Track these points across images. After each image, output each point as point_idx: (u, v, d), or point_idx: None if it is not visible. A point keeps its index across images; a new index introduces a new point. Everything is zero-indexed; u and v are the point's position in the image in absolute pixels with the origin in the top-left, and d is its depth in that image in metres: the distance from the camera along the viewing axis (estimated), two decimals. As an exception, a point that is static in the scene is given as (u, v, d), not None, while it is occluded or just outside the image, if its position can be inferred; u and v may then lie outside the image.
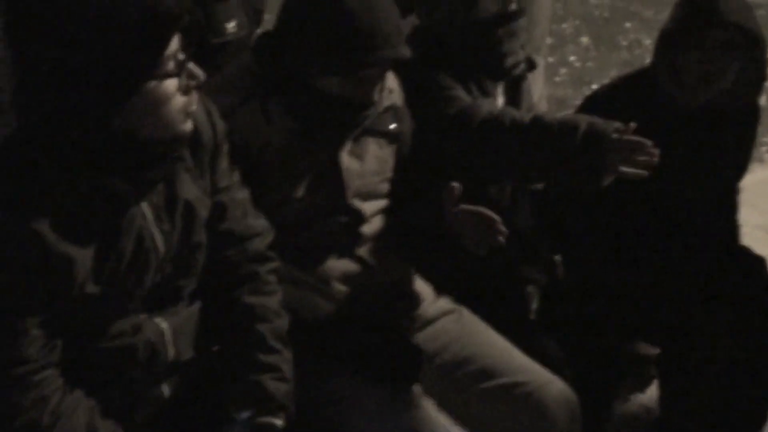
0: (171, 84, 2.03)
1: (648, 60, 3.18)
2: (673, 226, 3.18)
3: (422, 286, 2.82)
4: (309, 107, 2.54)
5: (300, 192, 2.57)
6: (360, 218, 2.65)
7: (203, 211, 2.25)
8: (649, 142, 2.62)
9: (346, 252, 2.65)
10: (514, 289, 3.18)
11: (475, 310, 2.85)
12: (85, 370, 2.13)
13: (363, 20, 2.45)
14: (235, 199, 2.35)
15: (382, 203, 2.72)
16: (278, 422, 2.29)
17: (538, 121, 2.73)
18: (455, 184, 2.58)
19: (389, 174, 2.73)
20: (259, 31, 3.34)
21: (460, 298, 2.86)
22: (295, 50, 2.51)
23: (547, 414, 2.67)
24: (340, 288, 2.62)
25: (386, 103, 2.68)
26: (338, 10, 2.45)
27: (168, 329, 2.22)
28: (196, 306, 2.31)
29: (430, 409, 2.56)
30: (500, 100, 3.09)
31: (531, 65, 3.18)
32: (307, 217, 2.58)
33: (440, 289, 2.86)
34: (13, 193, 1.98)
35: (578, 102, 3.54)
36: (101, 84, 1.95)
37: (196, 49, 2.10)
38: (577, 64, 7.65)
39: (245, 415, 2.27)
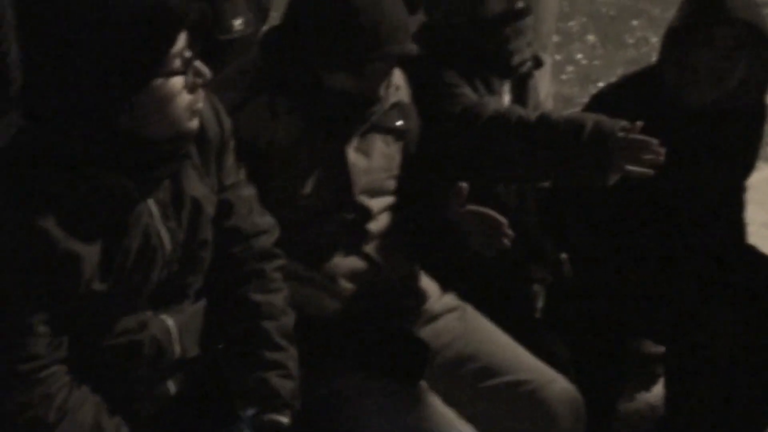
0: (177, 82, 2.03)
1: (655, 58, 3.18)
2: (679, 224, 3.18)
3: (428, 283, 2.82)
4: (315, 103, 2.54)
5: (307, 188, 2.57)
6: (367, 215, 2.65)
7: (210, 209, 2.25)
8: (655, 141, 2.62)
9: (353, 249, 2.65)
10: (519, 288, 3.18)
11: (481, 307, 2.86)
12: (91, 366, 2.13)
13: (369, 15, 2.46)
14: (241, 196, 2.35)
15: (388, 200, 2.72)
16: (284, 419, 2.29)
17: (544, 120, 2.73)
18: (463, 184, 2.58)
19: (396, 171, 2.73)
20: (265, 28, 3.35)
21: (466, 296, 2.86)
22: (302, 46, 2.51)
23: (551, 412, 2.67)
24: (347, 285, 2.62)
25: (393, 99, 2.68)
26: (345, 5, 2.46)
27: (174, 326, 2.22)
28: (202, 303, 2.31)
29: (437, 405, 2.56)
30: (507, 98, 3.09)
31: (538, 63, 3.18)
32: (313, 214, 2.58)
33: (446, 287, 2.86)
34: (19, 191, 1.99)
35: (585, 100, 3.54)
36: (107, 81, 1.95)
37: (203, 46, 2.10)
38: (584, 62, 7.64)
39: (251, 412, 2.27)
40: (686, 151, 3.03)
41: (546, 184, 3.18)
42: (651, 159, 2.62)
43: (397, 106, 2.69)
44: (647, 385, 3.68)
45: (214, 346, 2.34)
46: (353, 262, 2.64)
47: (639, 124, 2.62)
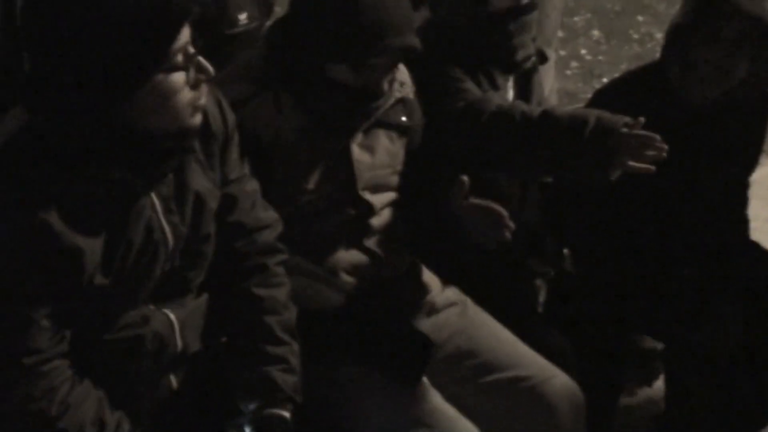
0: (179, 77, 2.02)
1: (659, 54, 3.18)
2: (681, 220, 3.18)
3: (429, 277, 2.83)
4: (320, 98, 2.54)
5: (310, 184, 2.57)
6: (370, 211, 2.65)
7: (213, 203, 2.25)
8: (657, 137, 2.62)
9: (355, 243, 2.65)
10: (521, 283, 3.19)
11: (482, 302, 2.86)
12: (93, 361, 2.13)
13: (372, 9, 2.46)
14: (244, 190, 2.35)
15: (391, 196, 2.72)
16: (285, 414, 2.30)
17: (547, 115, 2.73)
18: (464, 178, 2.58)
19: (399, 167, 2.73)
20: (269, 22, 3.35)
21: (467, 291, 2.87)
22: (306, 40, 2.51)
23: (551, 408, 2.67)
24: (348, 279, 2.63)
25: (397, 95, 2.68)
26: (348, -1, 2.46)
27: (176, 321, 2.22)
28: (204, 298, 2.31)
29: (437, 400, 2.56)
30: (510, 94, 3.09)
31: (542, 58, 3.18)
32: (317, 209, 2.59)
33: (447, 281, 2.86)
34: (21, 185, 1.98)
35: (589, 95, 3.53)
36: (109, 76, 1.95)
37: (207, 41, 2.10)
38: (588, 58, 7.63)
39: (252, 406, 2.28)
40: (689, 146, 3.03)
41: (548, 179, 3.18)
42: (653, 155, 2.62)
43: (401, 102, 2.69)
44: (648, 381, 3.68)
45: (216, 341, 2.35)
46: (355, 256, 2.64)
47: (641, 120, 2.62)
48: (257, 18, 3.35)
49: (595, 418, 2.82)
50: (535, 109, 2.79)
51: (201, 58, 2.06)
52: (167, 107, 2.03)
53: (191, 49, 2.04)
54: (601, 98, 3.18)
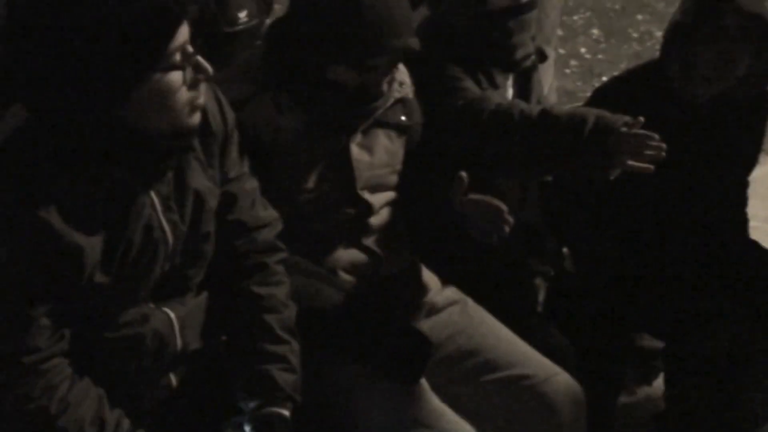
0: (177, 77, 2.02)
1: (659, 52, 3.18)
2: (681, 219, 3.18)
3: (429, 277, 2.83)
4: (319, 97, 2.54)
5: (310, 183, 2.57)
6: (368, 210, 2.65)
7: (213, 201, 2.25)
8: (656, 136, 2.62)
9: (354, 242, 2.65)
10: (521, 281, 3.19)
11: (482, 301, 2.86)
12: (93, 359, 2.13)
13: (372, 9, 2.46)
14: (244, 189, 2.35)
15: (390, 195, 2.72)
16: (285, 412, 2.30)
17: (546, 114, 2.73)
18: (463, 174, 2.58)
19: (398, 166, 2.73)
20: (268, 21, 3.35)
21: (467, 290, 2.87)
22: (306, 40, 2.51)
23: (552, 406, 2.68)
24: (348, 278, 2.63)
25: (396, 95, 2.68)
26: (348, -1, 2.46)
27: (176, 319, 2.22)
28: (204, 296, 2.31)
29: (435, 401, 2.56)
30: (510, 92, 3.09)
31: (541, 57, 3.18)
32: (316, 208, 2.59)
33: (447, 280, 2.86)
34: (21, 183, 1.98)
35: (588, 94, 3.53)
36: (106, 74, 1.95)
37: (207, 39, 2.09)
38: (588, 56, 7.64)
39: (252, 404, 2.28)
40: (689, 145, 3.03)
41: (548, 178, 3.18)
42: (652, 155, 2.62)
43: (400, 101, 2.69)
44: (648, 379, 3.68)
45: (216, 339, 2.35)
46: (354, 255, 2.65)
47: (640, 119, 2.62)
48: (257, 16, 3.34)
49: (595, 417, 2.82)
50: (534, 108, 2.79)
51: (199, 58, 2.06)
52: (165, 106, 2.03)
53: (189, 48, 2.04)
54: (601, 97, 3.18)
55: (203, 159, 2.24)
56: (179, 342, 2.24)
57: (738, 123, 3.18)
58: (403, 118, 2.71)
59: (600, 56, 7.67)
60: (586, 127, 2.65)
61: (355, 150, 2.62)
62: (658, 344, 3.39)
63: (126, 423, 2.14)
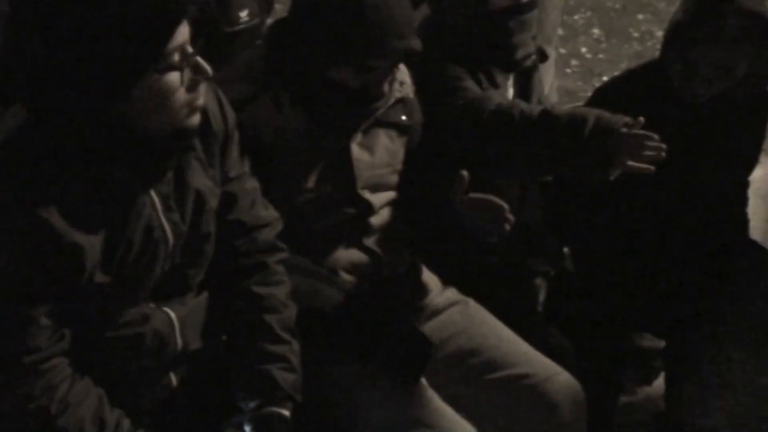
0: (175, 77, 2.02)
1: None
2: (681, 219, 3.18)
3: (429, 277, 2.83)
4: (320, 98, 2.54)
5: (310, 182, 2.57)
6: (369, 210, 2.65)
7: (213, 201, 2.25)
8: (656, 137, 2.62)
9: (354, 242, 2.65)
10: (521, 281, 3.19)
11: (483, 301, 2.86)
12: (93, 359, 2.13)
13: (374, 10, 2.45)
14: (244, 188, 2.35)
15: (391, 195, 2.73)
16: (285, 412, 2.30)
17: (546, 114, 2.73)
18: (464, 173, 2.58)
19: (399, 166, 2.73)
20: (269, 20, 3.35)
21: (468, 290, 2.87)
22: (307, 40, 2.51)
23: (552, 406, 2.68)
24: (348, 278, 2.63)
25: (397, 94, 2.68)
26: (350, 0, 2.46)
27: (176, 319, 2.23)
28: (205, 296, 2.31)
29: (436, 400, 2.56)
30: (510, 92, 3.09)
31: (542, 57, 3.18)
32: (316, 208, 2.59)
33: (447, 281, 2.86)
34: (21, 182, 1.98)
35: (589, 94, 3.53)
36: (103, 73, 1.95)
37: (208, 38, 2.09)
38: (589, 56, 7.63)
39: (252, 404, 2.28)
40: (690, 145, 3.03)
41: (548, 178, 3.18)
42: (652, 155, 2.62)
43: (401, 101, 2.69)
44: (648, 380, 3.68)
45: (216, 339, 2.35)
46: (355, 255, 2.65)
47: (640, 119, 2.62)
48: (258, 15, 3.35)
49: (595, 417, 2.82)
50: (534, 108, 2.79)
51: (199, 59, 2.05)
52: (163, 107, 2.02)
53: (189, 49, 2.04)
54: (601, 97, 3.18)
55: (204, 159, 2.24)
56: (179, 342, 2.24)
57: (738, 123, 3.18)
58: (403, 117, 2.71)
59: (601, 56, 7.66)
60: (586, 128, 2.65)
61: (356, 150, 2.62)
62: (658, 344, 3.39)
63: (126, 423, 2.14)
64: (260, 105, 2.52)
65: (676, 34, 3.05)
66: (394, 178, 2.72)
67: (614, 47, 7.84)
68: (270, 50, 2.59)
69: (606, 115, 2.68)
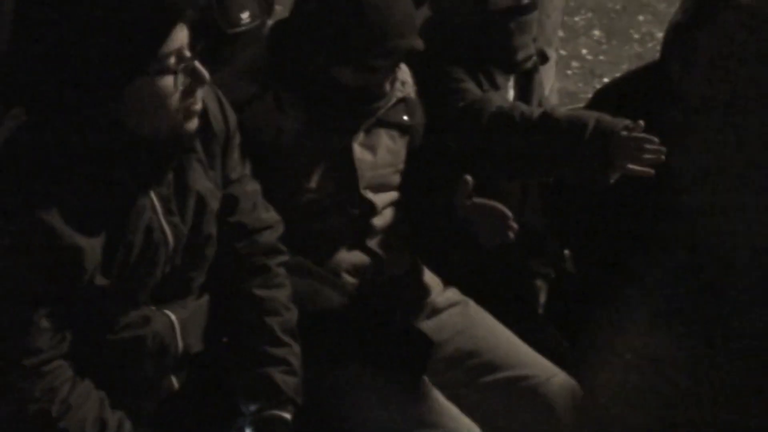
0: (168, 81, 2.02)
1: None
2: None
3: (430, 277, 2.83)
4: (322, 97, 2.54)
5: (312, 183, 2.57)
6: (371, 210, 2.65)
7: (214, 203, 2.25)
8: (656, 140, 2.62)
9: (357, 244, 2.65)
10: (522, 283, 3.18)
11: (483, 303, 2.86)
12: (94, 361, 2.14)
13: (376, 10, 2.46)
14: (246, 191, 2.36)
15: (393, 195, 2.73)
16: (286, 415, 2.30)
17: (547, 117, 2.73)
18: (468, 178, 2.58)
19: (401, 166, 2.73)
20: (270, 21, 3.35)
21: (468, 291, 2.87)
22: (308, 40, 2.51)
23: (552, 407, 2.68)
24: (350, 279, 2.63)
25: (399, 95, 2.68)
26: (351, 0, 2.46)
27: (177, 321, 2.23)
28: (206, 298, 2.31)
29: (438, 399, 2.57)
30: (511, 93, 3.09)
31: (543, 58, 3.18)
32: (318, 209, 2.59)
33: (448, 282, 2.86)
34: (21, 184, 1.99)
35: (589, 95, 3.53)
36: (96, 73, 1.95)
37: (210, 41, 2.09)
38: (589, 58, 7.63)
39: (253, 407, 2.28)
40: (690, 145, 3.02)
41: (548, 180, 3.17)
42: (652, 158, 2.62)
43: (403, 101, 2.69)
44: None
45: (217, 342, 2.35)
46: (357, 257, 2.65)
47: (641, 122, 2.62)
48: (259, 17, 3.35)
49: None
50: (535, 111, 2.79)
51: (197, 64, 2.05)
52: (157, 110, 2.03)
53: (187, 54, 2.03)
54: (602, 98, 3.17)
55: (205, 160, 2.24)
56: (180, 344, 2.24)
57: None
58: (405, 117, 2.71)
59: (601, 57, 7.66)
60: (587, 131, 2.65)
61: (358, 150, 2.62)
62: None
63: (127, 425, 2.14)
64: (262, 105, 2.52)
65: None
66: (396, 179, 2.72)
67: (615, 49, 7.84)
68: (271, 51, 2.60)
69: (606, 118, 2.67)
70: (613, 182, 2.69)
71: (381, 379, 2.54)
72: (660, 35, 7.59)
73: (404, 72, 2.72)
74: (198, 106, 2.09)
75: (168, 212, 2.16)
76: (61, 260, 2.01)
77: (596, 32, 8.13)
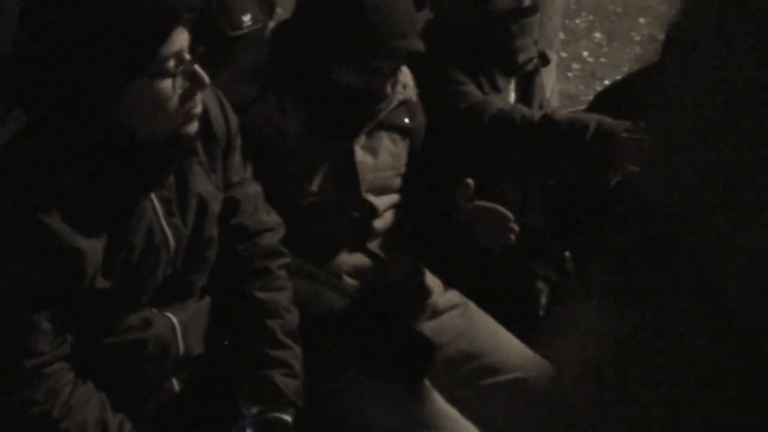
0: (167, 84, 2.01)
1: (663, 56, 3.17)
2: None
3: (431, 279, 2.83)
4: (323, 99, 2.54)
5: (313, 185, 2.57)
6: (373, 213, 2.65)
7: (215, 206, 2.25)
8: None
9: (358, 246, 2.65)
10: (523, 285, 3.18)
11: (484, 305, 2.86)
12: (95, 364, 2.13)
13: (377, 11, 2.46)
14: (247, 193, 2.35)
15: (394, 198, 2.73)
16: (287, 418, 2.30)
17: (547, 119, 2.74)
18: (470, 181, 2.58)
19: (402, 169, 2.73)
20: (271, 24, 3.35)
21: (469, 293, 2.87)
22: (310, 42, 2.51)
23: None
24: (351, 282, 2.63)
25: (400, 97, 2.68)
26: (353, 1, 2.46)
27: (178, 324, 2.22)
28: (207, 301, 2.31)
29: (439, 402, 2.57)
30: (512, 96, 3.09)
31: (544, 60, 3.18)
32: (319, 211, 2.59)
33: (449, 283, 2.86)
34: (22, 186, 1.99)
35: (590, 97, 3.54)
36: (94, 74, 1.95)
37: (211, 42, 2.09)
38: (590, 60, 7.64)
39: (254, 410, 2.28)
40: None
41: (549, 182, 3.18)
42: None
43: (404, 104, 2.69)
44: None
45: (218, 344, 2.35)
46: (358, 259, 2.65)
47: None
48: (260, 19, 3.34)
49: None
50: (535, 113, 2.79)
51: (197, 67, 2.05)
52: (155, 112, 2.02)
53: (186, 57, 2.03)
54: (603, 100, 3.18)
55: (206, 163, 2.24)
56: (181, 347, 2.24)
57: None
58: (406, 120, 2.71)
59: (602, 59, 7.67)
60: (588, 133, 2.65)
61: (359, 152, 2.62)
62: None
63: (128, 427, 2.14)
64: (263, 107, 2.52)
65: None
66: (397, 181, 2.72)
67: (616, 51, 7.85)
68: (273, 53, 2.60)
69: (607, 120, 2.68)
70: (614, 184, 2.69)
71: (381, 381, 2.54)
72: (661, 37, 7.60)
73: (405, 75, 2.72)
74: (198, 110, 2.08)
75: (169, 214, 2.16)
76: (62, 262, 2.00)
77: (597, 34, 8.13)
